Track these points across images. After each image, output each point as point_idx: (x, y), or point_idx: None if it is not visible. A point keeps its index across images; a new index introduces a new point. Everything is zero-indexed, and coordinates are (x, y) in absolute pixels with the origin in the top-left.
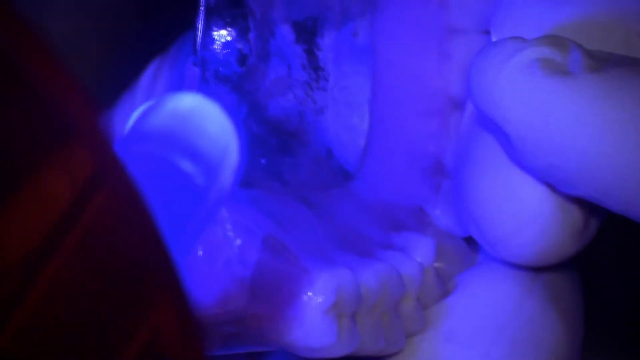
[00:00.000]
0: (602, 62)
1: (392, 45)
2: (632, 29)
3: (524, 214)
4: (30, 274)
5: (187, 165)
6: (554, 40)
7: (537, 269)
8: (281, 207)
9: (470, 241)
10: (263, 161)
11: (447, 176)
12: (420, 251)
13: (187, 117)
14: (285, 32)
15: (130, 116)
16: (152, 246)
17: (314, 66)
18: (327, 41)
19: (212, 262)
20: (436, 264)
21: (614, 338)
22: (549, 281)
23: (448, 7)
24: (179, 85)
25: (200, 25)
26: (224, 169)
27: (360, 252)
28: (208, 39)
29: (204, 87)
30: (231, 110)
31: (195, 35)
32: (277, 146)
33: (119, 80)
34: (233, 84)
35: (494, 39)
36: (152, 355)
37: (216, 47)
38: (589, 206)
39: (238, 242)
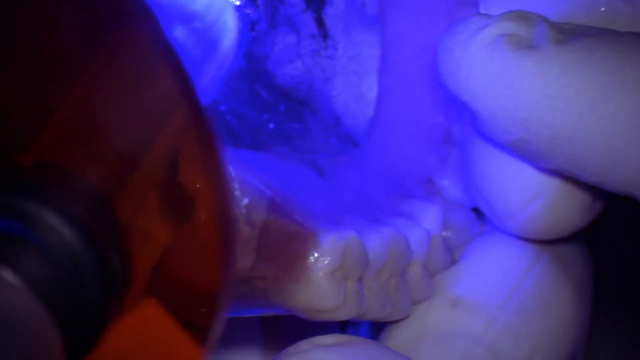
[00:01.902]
0: (568, 34)
1: (401, 16)
2: None
3: (531, 187)
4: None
5: (176, 32)
6: (519, 15)
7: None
8: (289, 171)
9: (478, 211)
10: (271, 126)
11: (456, 147)
12: (428, 219)
13: None
14: (295, 0)
15: None
16: (172, 62)
17: (323, 34)
18: (336, 10)
19: None
20: (444, 233)
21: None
22: (557, 250)
23: None
24: None
25: None
26: (222, 32)
27: (368, 217)
28: None
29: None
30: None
31: None
32: (286, 112)
33: None
34: (242, 50)
35: (482, 11)
36: (172, 164)
37: None
38: None
39: (245, 201)
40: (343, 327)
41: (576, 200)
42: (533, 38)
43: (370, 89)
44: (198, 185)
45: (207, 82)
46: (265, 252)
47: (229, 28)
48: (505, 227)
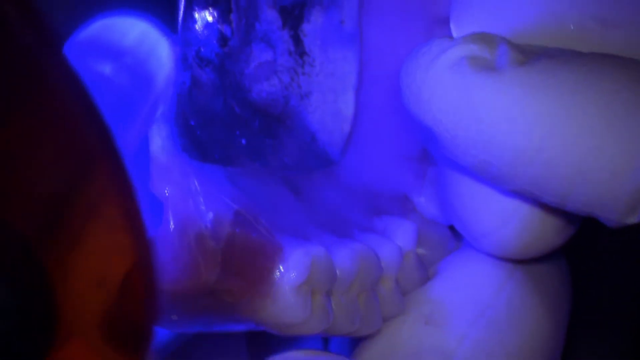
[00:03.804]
0: (530, 55)
1: (380, 34)
2: (586, 12)
3: (505, 208)
4: None
5: (106, 68)
6: (482, 37)
7: None
8: (259, 186)
9: (454, 228)
10: (243, 141)
11: (433, 164)
12: (401, 235)
13: (111, 26)
14: (272, 17)
15: None
16: (93, 122)
17: (300, 52)
18: (313, 27)
19: (184, 235)
20: (418, 250)
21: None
22: (531, 267)
23: None
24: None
25: (182, 4)
26: (155, 67)
27: (339, 233)
28: (190, 19)
29: (184, 67)
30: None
31: (177, 15)
32: (260, 128)
33: None
34: (214, 65)
35: (453, 31)
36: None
37: (197, 27)
38: None
39: (210, 215)
40: (326, 341)
41: (550, 220)
42: (495, 60)
43: (348, 106)
44: (119, 241)
45: (143, 117)
46: (231, 265)
47: (164, 62)
48: (480, 246)
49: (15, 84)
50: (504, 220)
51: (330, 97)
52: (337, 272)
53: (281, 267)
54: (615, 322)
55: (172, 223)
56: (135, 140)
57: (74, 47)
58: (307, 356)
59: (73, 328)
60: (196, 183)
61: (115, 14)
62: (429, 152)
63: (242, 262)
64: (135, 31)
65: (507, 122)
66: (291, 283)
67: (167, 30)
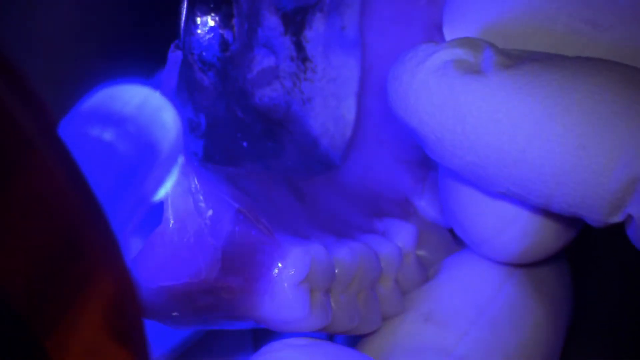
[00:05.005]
0: (515, 59)
1: (382, 40)
2: (577, 15)
3: (505, 213)
4: None
5: (107, 136)
6: (467, 42)
7: None
8: (259, 186)
9: (454, 231)
10: (245, 144)
11: (434, 168)
12: (401, 237)
13: (112, 95)
14: (274, 23)
15: None
16: (90, 216)
17: (302, 57)
18: (315, 34)
19: (184, 232)
20: (418, 252)
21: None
22: (531, 267)
23: (438, 4)
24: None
25: (184, 9)
26: (159, 133)
27: (340, 234)
28: (192, 23)
29: (185, 70)
30: (213, 95)
31: (179, 19)
32: (262, 132)
33: None
34: (216, 70)
35: (446, 34)
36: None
37: (199, 31)
38: None
39: (210, 213)
40: (331, 337)
41: (550, 225)
42: (480, 63)
43: (349, 111)
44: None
45: (150, 185)
46: (230, 263)
47: (168, 128)
48: (480, 251)
49: (7, 161)
50: (504, 226)
51: (332, 103)
52: (337, 270)
53: (280, 265)
54: (617, 323)
55: (171, 220)
56: (139, 207)
57: (76, 117)
58: (310, 343)
59: None
60: (196, 181)
61: (117, 83)
62: (430, 157)
63: (241, 260)
64: (137, 98)
65: (492, 123)
66: (290, 280)
67: (173, 95)
